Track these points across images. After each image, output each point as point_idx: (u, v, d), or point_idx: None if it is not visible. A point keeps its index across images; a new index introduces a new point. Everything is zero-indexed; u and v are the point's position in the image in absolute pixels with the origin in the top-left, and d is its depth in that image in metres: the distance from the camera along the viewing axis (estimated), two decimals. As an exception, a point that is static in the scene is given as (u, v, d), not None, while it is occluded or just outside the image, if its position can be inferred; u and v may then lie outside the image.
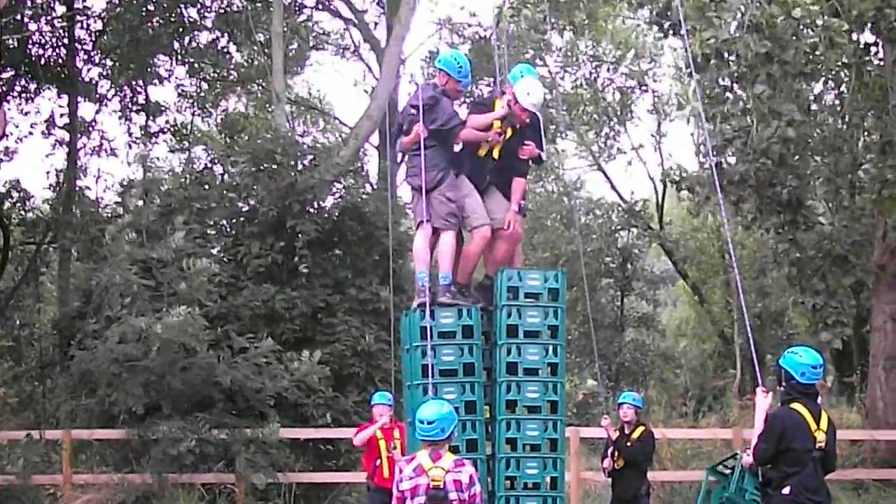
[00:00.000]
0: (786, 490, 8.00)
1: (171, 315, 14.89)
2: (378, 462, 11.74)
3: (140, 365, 15.09)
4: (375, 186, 22.86)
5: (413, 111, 9.44)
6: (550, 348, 9.06)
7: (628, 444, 11.26)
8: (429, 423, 7.50)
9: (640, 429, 11.37)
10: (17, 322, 25.56)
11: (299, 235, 17.45)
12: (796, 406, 8.07)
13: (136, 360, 15.14)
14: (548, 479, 9.05)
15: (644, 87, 30.88)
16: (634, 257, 31.17)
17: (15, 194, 25.43)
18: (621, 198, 31.57)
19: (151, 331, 14.78)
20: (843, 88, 18.98)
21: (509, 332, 9.00)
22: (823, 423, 8.09)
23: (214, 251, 18.44)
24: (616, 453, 11.26)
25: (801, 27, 15.20)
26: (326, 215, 18.21)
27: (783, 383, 8.22)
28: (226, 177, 19.68)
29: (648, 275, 32.01)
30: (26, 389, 21.07)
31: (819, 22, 15.13)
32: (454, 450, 7.80)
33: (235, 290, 17.28)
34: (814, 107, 18.04)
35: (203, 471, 15.23)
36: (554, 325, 9.08)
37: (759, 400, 8.45)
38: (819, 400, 8.36)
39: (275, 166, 18.31)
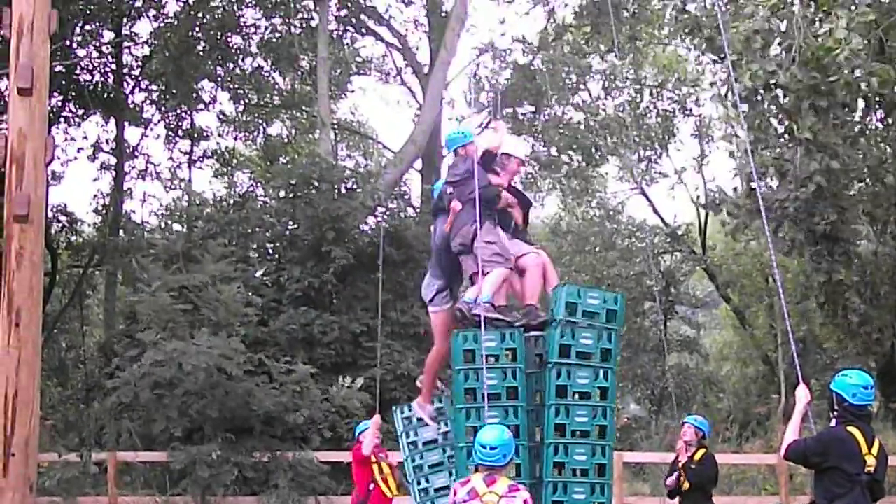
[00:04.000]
0: None
1: (207, 340, 15.06)
2: (372, 487, 11.70)
3: (176, 389, 15.25)
4: (418, 210, 22.96)
5: (451, 190, 9.75)
6: (601, 372, 8.99)
7: (691, 466, 11.30)
8: (491, 448, 7.44)
9: (701, 451, 11.38)
10: (64, 345, 25.83)
11: (334, 261, 17.55)
12: (850, 428, 7.96)
13: (172, 384, 15.30)
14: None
15: (687, 111, 30.81)
16: (677, 281, 31.03)
17: (62, 218, 25.71)
18: (664, 221, 31.47)
19: (186, 356, 14.94)
20: (888, 117, 18.81)
21: (561, 352, 8.94)
22: (875, 448, 7.94)
23: (258, 275, 18.59)
24: (682, 475, 11.33)
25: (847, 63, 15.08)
26: (367, 239, 18.29)
27: (836, 407, 8.10)
28: (266, 201, 19.84)
29: (691, 298, 31.84)
30: (72, 411, 21.27)
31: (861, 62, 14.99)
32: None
33: (276, 314, 17.41)
34: (859, 137, 17.90)
35: (245, 493, 15.33)
36: (607, 349, 8.98)
37: (799, 393, 8.35)
38: None
39: (313, 191, 18.42)
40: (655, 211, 31.97)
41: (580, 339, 8.87)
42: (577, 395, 8.90)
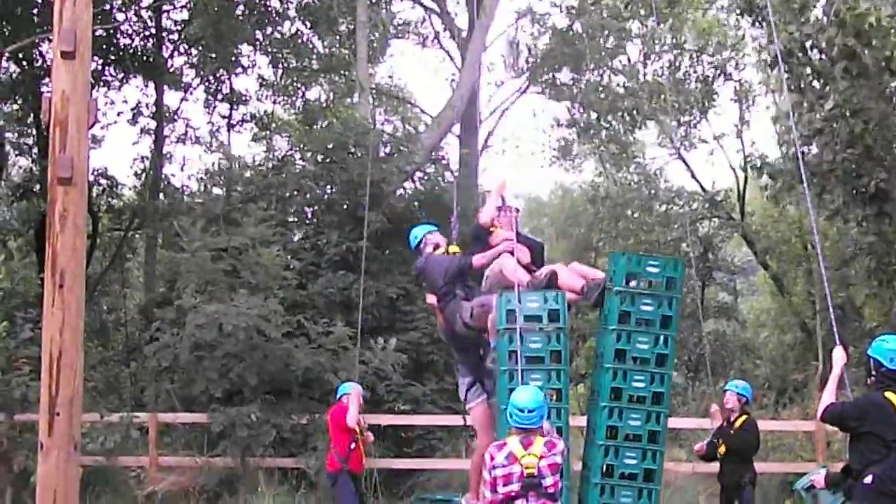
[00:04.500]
0: (868, 479, 7.84)
1: (246, 302, 15.16)
2: (353, 447, 11.79)
3: (216, 352, 15.38)
4: (455, 175, 22.97)
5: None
6: (661, 338, 9.02)
7: (731, 432, 11.33)
8: (529, 410, 7.49)
9: (744, 417, 11.43)
10: (104, 308, 26.08)
11: (369, 226, 17.63)
12: (888, 394, 7.96)
13: (212, 346, 15.43)
14: (645, 470, 9.02)
15: (728, 76, 30.52)
16: (715, 247, 30.84)
17: (103, 182, 25.88)
18: (702, 187, 31.26)
19: (225, 317, 15.06)
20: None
21: (621, 319, 8.99)
22: None
23: (296, 239, 18.67)
24: (719, 440, 11.37)
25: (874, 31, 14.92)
26: (404, 204, 18.31)
27: (873, 373, 8.11)
28: (304, 165, 19.89)
29: (729, 265, 31.65)
30: (113, 374, 21.51)
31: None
32: None
33: (314, 277, 17.49)
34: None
35: (283, 455, 15.48)
36: (667, 316, 9.04)
37: (835, 355, 8.37)
38: None
39: (349, 155, 18.44)
40: (694, 177, 31.77)
41: (640, 306, 8.90)
42: (635, 361, 8.93)
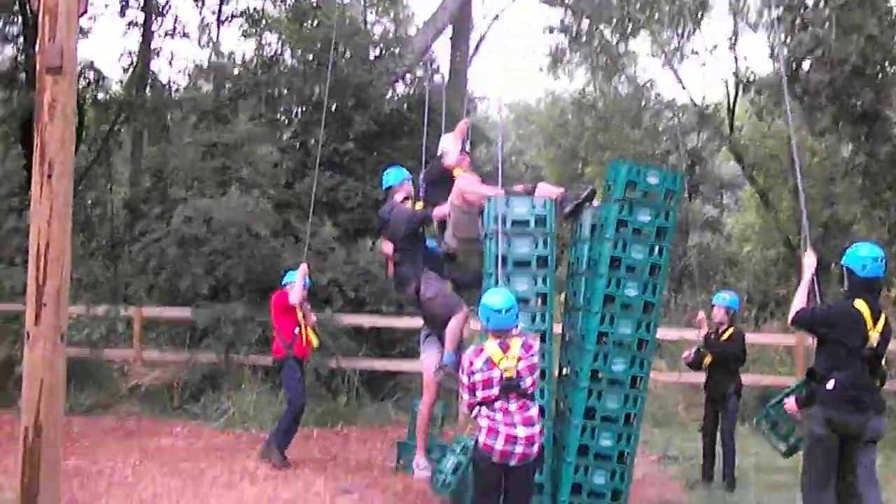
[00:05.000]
0: (829, 385, 8.00)
1: (236, 200, 15.12)
2: (297, 331, 11.88)
3: (203, 248, 15.37)
4: (446, 78, 22.78)
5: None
6: (656, 248, 9.05)
7: (718, 343, 11.47)
8: (506, 310, 7.55)
9: (731, 330, 11.55)
10: (90, 201, 25.96)
11: (354, 127, 17.52)
12: (857, 303, 8.05)
13: (199, 242, 15.41)
14: (632, 377, 9.13)
15: (722, -14, 30.25)
16: (703, 160, 30.82)
17: (89, 74, 25.56)
18: (692, 100, 31.13)
19: (214, 212, 15.01)
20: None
21: (618, 227, 8.98)
22: (880, 325, 8.05)
23: (284, 138, 18.56)
24: (705, 350, 11.51)
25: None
26: (393, 108, 18.19)
27: (846, 282, 8.20)
28: (294, 64, 19.69)
29: (716, 179, 31.67)
30: (98, 267, 21.52)
31: None
32: None
33: (301, 177, 17.43)
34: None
35: (267, 353, 15.58)
36: (664, 227, 9.06)
37: (806, 260, 8.48)
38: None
39: (338, 54, 18.24)
40: (684, 88, 31.63)
41: (638, 215, 8.92)
42: (630, 270, 8.97)
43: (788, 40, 16.23)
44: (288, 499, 9.99)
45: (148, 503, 9.54)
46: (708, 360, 11.56)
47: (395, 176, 11.13)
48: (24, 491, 8.79)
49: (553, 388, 9.25)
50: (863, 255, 8.13)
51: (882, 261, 8.14)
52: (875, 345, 7.99)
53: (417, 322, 16.26)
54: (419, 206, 10.81)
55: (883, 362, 8.29)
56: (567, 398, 9.34)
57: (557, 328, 9.90)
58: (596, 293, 8.98)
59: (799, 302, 8.25)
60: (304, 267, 11.87)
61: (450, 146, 10.78)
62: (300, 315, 11.92)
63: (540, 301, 9.11)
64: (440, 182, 10.56)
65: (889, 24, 16.58)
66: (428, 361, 10.62)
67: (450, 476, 9.50)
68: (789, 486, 10.38)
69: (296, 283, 11.76)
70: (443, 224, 10.58)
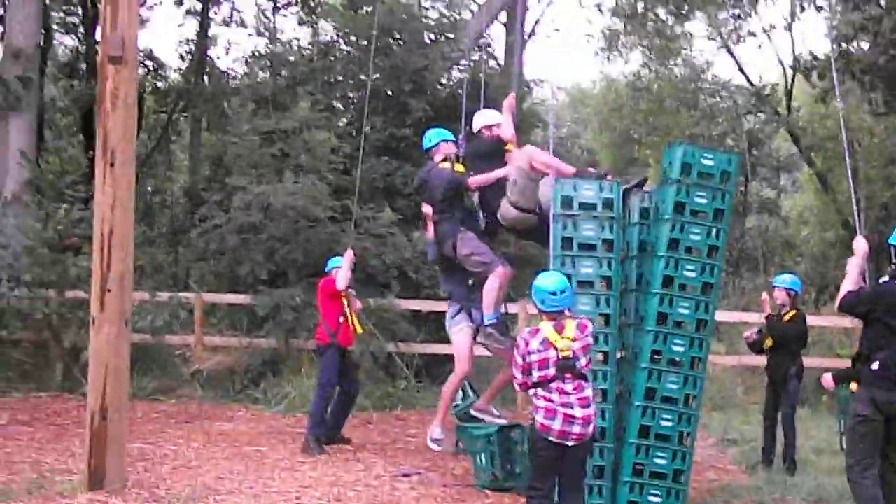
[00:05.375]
0: (874, 365, 7.93)
1: (294, 185, 15.24)
2: (342, 319, 11.83)
3: (262, 234, 15.52)
4: (501, 64, 22.76)
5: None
6: (714, 231, 9.00)
7: (780, 325, 11.42)
8: (560, 292, 7.61)
9: (793, 312, 11.48)
10: (150, 189, 26.31)
11: (411, 113, 17.57)
12: None
13: (257, 228, 15.57)
14: (692, 358, 9.08)
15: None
16: (760, 142, 30.58)
17: (148, 63, 25.89)
18: (749, 81, 30.86)
19: (272, 198, 15.15)
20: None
21: (676, 210, 8.93)
22: None
23: (341, 124, 18.67)
24: (766, 333, 11.48)
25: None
26: (448, 92, 18.23)
27: (892, 261, 8.13)
28: (350, 50, 19.79)
29: (774, 161, 31.42)
30: (159, 254, 21.82)
31: None
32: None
33: (358, 163, 17.53)
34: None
35: (327, 339, 15.70)
36: (720, 209, 8.99)
37: (856, 245, 8.39)
38: None
39: (391, 41, 18.31)
40: (741, 70, 31.34)
41: (695, 197, 8.89)
42: (688, 251, 8.94)
43: (837, 21, 16.08)
44: (349, 482, 10.08)
45: (211, 486, 9.66)
46: (768, 342, 11.49)
47: (431, 138, 11.04)
48: (91, 473, 9.00)
49: (615, 370, 9.25)
50: None
51: None
52: None
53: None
54: (459, 168, 10.72)
55: None
56: (625, 380, 9.35)
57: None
58: (655, 275, 8.97)
59: (848, 286, 8.19)
60: (349, 253, 11.86)
61: (503, 119, 10.75)
62: (345, 303, 11.90)
63: (605, 284, 9.12)
64: (488, 154, 10.52)
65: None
66: (461, 335, 10.64)
67: (491, 470, 9.85)
68: (850, 469, 10.29)
69: (343, 269, 11.77)
70: (483, 196, 10.58)
